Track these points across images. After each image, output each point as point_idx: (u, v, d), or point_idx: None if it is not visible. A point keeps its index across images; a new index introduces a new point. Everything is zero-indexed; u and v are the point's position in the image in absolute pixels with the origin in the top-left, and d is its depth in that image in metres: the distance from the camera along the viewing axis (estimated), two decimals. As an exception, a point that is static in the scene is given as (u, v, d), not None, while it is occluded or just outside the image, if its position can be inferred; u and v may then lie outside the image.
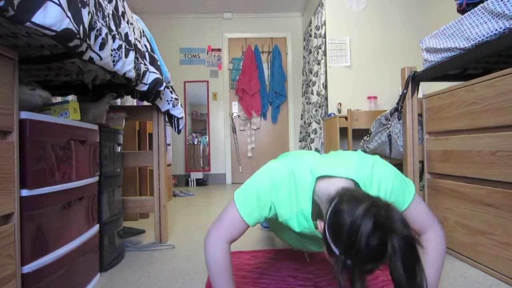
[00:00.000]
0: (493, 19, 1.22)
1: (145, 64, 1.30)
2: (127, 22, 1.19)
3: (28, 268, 0.85)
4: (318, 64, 3.56)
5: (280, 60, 4.75)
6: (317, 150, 3.58)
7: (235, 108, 4.84)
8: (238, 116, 4.83)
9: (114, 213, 1.51)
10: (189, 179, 4.70)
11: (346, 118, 2.82)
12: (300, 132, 4.45)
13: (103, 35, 0.94)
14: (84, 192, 1.17)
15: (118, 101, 2.07)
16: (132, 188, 2.37)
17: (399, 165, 1.92)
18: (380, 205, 0.69)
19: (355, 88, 3.32)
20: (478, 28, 1.29)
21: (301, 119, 4.49)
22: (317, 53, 3.58)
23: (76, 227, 1.12)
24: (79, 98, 1.75)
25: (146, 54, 1.38)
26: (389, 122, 1.96)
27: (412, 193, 0.97)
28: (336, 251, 0.71)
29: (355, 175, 0.91)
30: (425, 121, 1.72)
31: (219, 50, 4.83)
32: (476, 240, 1.35)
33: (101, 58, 0.94)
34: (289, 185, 0.93)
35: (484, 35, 1.26)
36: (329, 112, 3.32)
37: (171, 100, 1.68)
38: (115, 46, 1.03)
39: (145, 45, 1.42)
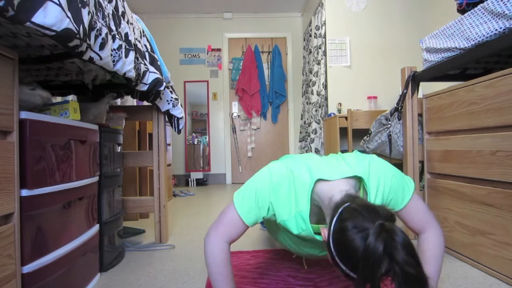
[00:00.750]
0: (493, 19, 1.22)
1: (145, 64, 1.30)
2: (127, 22, 1.19)
3: (28, 268, 0.85)
4: (318, 64, 3.56)
5: (280, 60, 4.75)
6: (317, 150, 3.58)
7: (235, 108, 4.84)
8: (238, 116, 4.83)
9: (114, 213, 1.51)
10: (189, 179, 4.70)
11: (346, 118, 2.82)
12: (300, 132, 4.45)
13: (103, 35, 0.94)
14: (84, 192, 1.17)
15: (118, 101, 2.07)
16: (132, 188, 2.37)
17: (399, 165, 1.92)
18: (387, 229, 0.67)
19: (355, 88, 3.32)
20: (478, 28, 1.29)
21: (301, 119, 4.49)
22: (317, 53, 3.58)
23: (76, 227, 1.12)
24: (79, 98, 1.75)
25: (146, 54, 1.38)
26: (389, 122, 1.96)
27: (412, 190, 0.97)
28: (343, 266, 0.71)
29: (354, 171, 0.92)
30: (425, 121, 1.72)
31: (219, 50, 4.83)
32: (476, 240, 1.35)
33: (101, 58, 0.94)
34: (288, 186, 0.93)
35: (484, 35, 1.26)
36: (329, 112, 3.32)
37: (171, 100, 1.68)
38: (115, 46, 1.03)
39: (145, 45, 1.42)
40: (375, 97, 3.23)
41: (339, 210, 0.76)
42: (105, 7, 0.99)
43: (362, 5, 3.34)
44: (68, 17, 0.73)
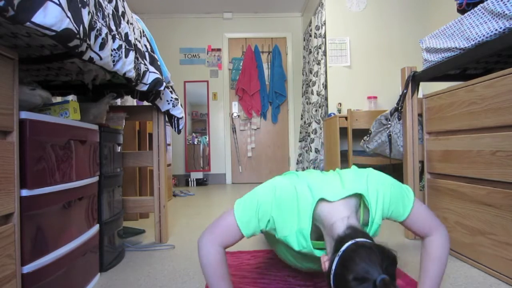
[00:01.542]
0: (493, 19, 1.22)
1: (145, 64, 1.30)
2: (127, 22, 1.19)
3: (28, 268, 0.85)
4: (318, 64, 3.56)
5: (280, 60, 4.75)
6: (317, 150, 3.59)
7: (235, 108, 4.84)
8: (238, 116, 4.83)
9: (114, 213, 1.51)
10: (189, 179, 4.70)
11: (346, 118, 2.82)
12: (300, 132, 4.45)
13: (103, 35, 0.94)
14: (84, 192, 1.17)
15: (118, 101, 2.07)
16: (132, 188, 2.37)
17: (399, 165, 1.92)
18: (386, 282, 0.67)
19: (355, 88, 3.32)
20: (478, 28, 1.29)
21: (301, 119, 4.49)
22: (317, 53, 3.58)
23: (76, 227, 1.12)
24: (79, 98, 1.75)
25: (146, 54, 1.38)
26: (389, 122, 1.96)
27: (412, 200, 0.97)
28: None
29: (354, 189, 0.92)
30: (425, 121, 1.72)
31: (219, 50, 4.83)
32: (476, 240, 1.35)
33: (101, 58, 0.94)
34: (291, 202, 0.92)
35: (484, 35, 1.26)
36: (329, 112, 3.32)
37: (171, 100, 1.68)
38: (115, 46, 1.03)
39: (145, 45, 1.42)
40: (375, 97, 3.23)
41: (341, 250, 0.75)
42: (105, 7, 0.99)
43: (362, 5, 3.34)
44: (68, 17, 0.73)
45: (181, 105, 1.78)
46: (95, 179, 1.28)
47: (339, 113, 3.24)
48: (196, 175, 4.72)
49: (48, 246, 0.94)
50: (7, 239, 0.77)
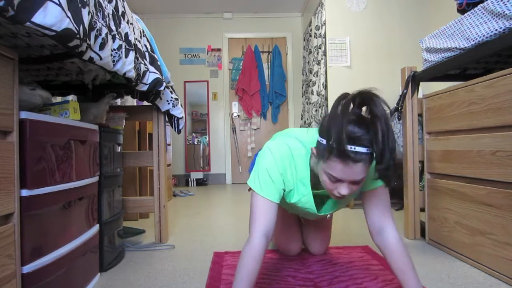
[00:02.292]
0: (493, 19, 1.22)
1: (145, 64, 1.30)
2: (127, 22, 1.19)
3: (28, 268, 0.85)
4: (318, 64, 3.56)
5: (280, 60, 4.75)
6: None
7: (235, 108, 4.84)
8: (238, 116, 4.83)
9: (114, 213, 1.51)
10: (189, 179, 4.70)
11: (346, 118, 2.81)
12: (300, 132, 4.44)
13: (103, 35, 0.94)
14: (84, 192, 1.17)
15: (118, 101, 2.07)
16: (132, 188, 2.37)
17: (399, 165, 1.92)
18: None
19: (355, 88, 3.29)
20: (478, 28, 1.29)
21: (301, 119, 4.49)
22: (317, 53, 3.58)
23: (76, 227, 1.12)
24: (79, 98, 1.75)
25: (146, 54, 1.38)
26: (389, 122, 1.96)
27: None
28: (323, 141, 0.88)
29: None
30: (425, 121, 1.72)
31: (219, 50, 4.83)
32: (476, 240, 1.35)
33: (101, 58, 0.94)
34: (288, 158, 1.04)
35: (484, 35, 1.26)
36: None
37: (171, 100, 1.68)
38: (115, 46, 1.03)
39: (145, 45, 1.42)
40: (375, 97, 3.22)
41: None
42: (105, 7, 0.99)
43: (362, 5, 3.34)
44: (68, 17, 0.73)
45: (181, 105, 1.78)
46: (95, 179, 1.28)
47: (339, 113, 3.23)
48: (196, 175, 4.72)
49: (48, 246, 0.94)
50: (7, 239, 0.77)
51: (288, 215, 1.43)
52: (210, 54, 4.83)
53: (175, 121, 1.78)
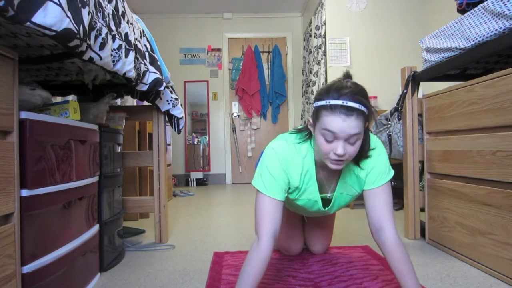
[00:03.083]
0: (493, 19, 1.22)
1: (145, 64, 1.30)
2: (127, 22, 1.19)
3: (28, 268, 0.85)
4: (318, 64, 3.56)
5: (280, 60, 4.75)
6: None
7: (235, 108, 4.84)
8: (238, 116, 4.83)
9: (114, 213, 1.51)
10: (189, 179, 4.70)
11: (346, 118, 2.81)
12: (300, 132, 4.44)
13: (103, 35, 0.94)
14: (84, 192, 1.17)
15: (118, 101, 2.07)
16: (132, 188, 2.37)
17: (399, 165, 1.92)
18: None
19: (355, 88, 3.32)
20: (478, 28, 1.29)
21: (301, 119, 4.49)
22: (317, 53, 3.58)
23: (76, 227, 1.12)
24: (79, 98, 1.75)
25: (146, 54, 1.38)
26: (389, 122, 1.96)
27: (390, 177, 1.09)
28: (318, 103, 0.95)
29: None
30: (425, 121, 1.72)
31: (219, 50, 4.83)
32: (476, 240, 1.35)
33: (101, 58, 0.94)
34: (291, 155, 1.06)
35: (484, 35, 1.26)
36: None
37: (171, 100, 1.68)
38: (115, 46, 1.03)
39: (145, 45, 1.42)
40: (375, 97, 3.23)
41: None
42: (105, 7, 0.99)
43: (362, 5, 3.34)
44: (68, 17, 0.73)
45: (181, 105, 1.78)
46: (95, 179, 1.28)
47: (339, 113, 3.23)
48: (196, 175, 4.72)
49: (48, 246, 0.94)
50: (7, 239, 0.77)
51: (291, 214, 1.43)
52: (210, 54, 4.83)
53: (175, 121, 1.78)
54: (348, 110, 0.89)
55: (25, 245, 0.84)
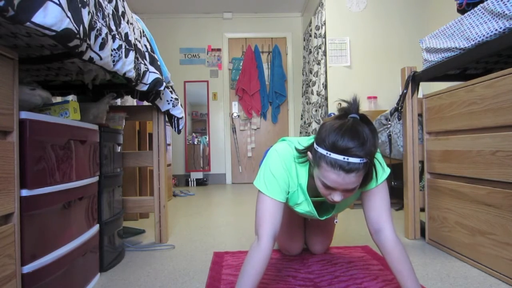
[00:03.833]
0: (493, 19, 1.22)
1: (145, 64, 1.30)
2: (127, 22, 1.19)
3: (28, 268, 0.85)
4: (318, 64, 3.56)
5: (280, 60, 4.75)
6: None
7: (235, 108, 4.84)
8: (238, 116, 4.83)
9: (114, 213, 1.51)
10: (189, 179, 4.70)
11: (346, 118, 2.80)
12: (300, 132, 4.45)
13: (103, 35, 0.94)
14: (84, 192, 1.17)
15: (118, 101, 2.07)
16: (132, 188, 2.37)
17: (399, 165, 1.92)
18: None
19: (355, 88, 3.32)
20: (478, 28, 1.29)
21: (301, 119, 4.49)
22: (317, 53, 3.58)
23: (76, 227, 1.12)
24: (79, 98, 1.75)
25: (146, 54, 1.38)
26: (389, 122, 1.96)
27: (386, 175, 1.08)
28: (319, 149, 0.92)
29: None
30: (425, 121, 1.72)
31: (219, 50, 4.83)
32: (476, 240, 1.35)
33: (101, 58, 0.94)
34: (291, 161, 1.07)
35: (484, 35, 1.26)
36: (329, 112, 3.32)
37: (171, 100, 1.68)
38: (115, 46, 1.03)
39: (145, 45, 1.42)
40: (375, 97, 3.23)
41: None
42: (105, 7, 0.99)
43: (362, 5, 3.34)
44: (68, 17, 0.73)
45: (181, 105, 1.78)
46: (95, 179, 1.28)
47: (339, 113, 3.22)
48: (196, 175, 4.72)
49: (48, 246, 0.94)
50: (7, 239, 0.77)
51: (292, 215, 1.43)
52: (210, 54, 4.83)
53: (175, 121, 1.78)
54: (349, 168, 0.86)
55: (25, 245, 0.84)
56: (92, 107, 1.38)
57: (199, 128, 4.94)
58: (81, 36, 0.79)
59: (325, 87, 3.40)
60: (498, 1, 1.19)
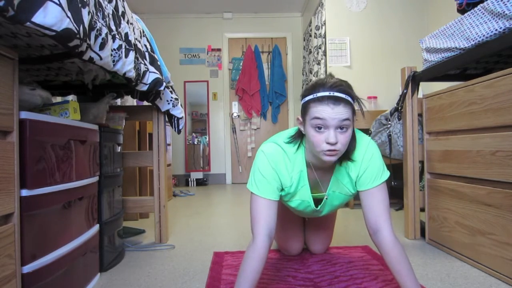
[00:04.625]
0: (493, 19, 1.22)
1: (145, 64, 1.30)
2: (127, 22, 1.19)
3: (28, 268, 0.85)
4: (318, 64, 3.56)
5: (280, 60, 4.75)
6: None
7: (235, 108, 4.84)
8: (238, 116, 4.83)
9: (114, 213, 1.51)
10: (189, 179, 4.70)
11: (346, 118, 2.80)
12: (300, 132, 4.44)
13: (103, 35, 0.94)
14: (84, 192, 1.17)
15: (118, 101, 2.07)
16: (132, 188, 2.37)
17: (399, 165, 1.92)
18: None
19: (355, 88, 3.31)
20: (478, 28, 1.29)
21: (301, 119, 4.48)
22: (317, 53, 3.58)
23: (76, 227, 1.12)
24: (79, 98, 1.75)
25: (146, 54, 1.38)
26: (389, 122, 1.96)
27: (385, 178, 1.09)
28: (306, 98, 0.99)
29: None
30: (425, 121, 1.72)
31: (219, 50, 4.83)
32: (476, 240, 1.35)
33: (101, 58, 0.94)
34: (279, 154, 1.09)
35: (484, 35, 1.26)
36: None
37: (171, 100, 1.68)
38: (115, 46, 1.03)
39: (145, 45, 1.42)
40: (375, 97, 3.23)
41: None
42: (105, 7, 0.99)
43: (362, 5, 3.34)
44: (68, 17, 0.73)
45: (181, 105, 1.78)
46: (95, 179, 1.28)
47: (339, 113, 3.22)
48: (196, 175, 4.72)
49: (48, 246, 0.94)
50: (7, 239, 0.77)
51: (291, 215, 1.43)
52: (210, 54, 4.83)
53: (175, 121, 1.78)
54: (336, 100, 0.93)
55: (25, 245, 0.84)
56: (92, 107, 1.38)
57: (199, 128, 4.94)
58: (81, 36, 0.79)
59: (325, 87, 3.39)
60: (498, 1, 1.19)
